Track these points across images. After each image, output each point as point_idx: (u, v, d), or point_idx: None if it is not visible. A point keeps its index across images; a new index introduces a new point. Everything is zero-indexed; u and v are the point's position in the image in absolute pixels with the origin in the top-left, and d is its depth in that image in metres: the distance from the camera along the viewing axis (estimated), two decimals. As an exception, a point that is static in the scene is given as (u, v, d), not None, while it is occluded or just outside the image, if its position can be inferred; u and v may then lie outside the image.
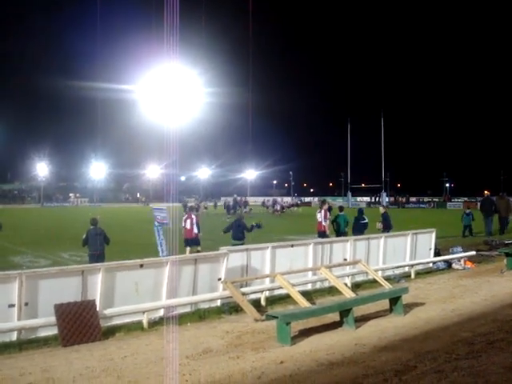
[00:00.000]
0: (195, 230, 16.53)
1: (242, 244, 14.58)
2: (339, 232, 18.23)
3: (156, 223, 14.34)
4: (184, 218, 17.07)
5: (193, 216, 16.90)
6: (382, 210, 19.74)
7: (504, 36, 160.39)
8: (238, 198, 60.12)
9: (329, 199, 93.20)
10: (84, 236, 13.29)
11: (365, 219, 18.57)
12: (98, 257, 12.89)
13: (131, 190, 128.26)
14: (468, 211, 26.84)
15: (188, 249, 16.33)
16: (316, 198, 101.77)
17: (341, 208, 19.54)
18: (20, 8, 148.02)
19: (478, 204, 30.99)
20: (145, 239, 22.61)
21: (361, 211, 19.13)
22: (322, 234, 17.80)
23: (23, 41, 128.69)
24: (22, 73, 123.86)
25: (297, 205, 69.80)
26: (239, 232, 15.85)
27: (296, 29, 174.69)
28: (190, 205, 20.78)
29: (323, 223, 18.13)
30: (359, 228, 18.24)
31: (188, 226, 16.65)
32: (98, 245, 13.17)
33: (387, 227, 18.33)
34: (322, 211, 18.35)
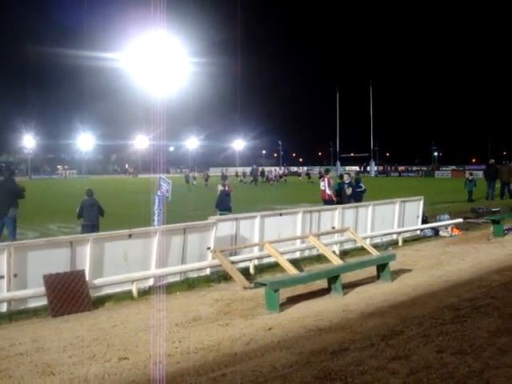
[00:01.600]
0: (328, 191, 18.01)
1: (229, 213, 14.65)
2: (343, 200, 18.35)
3: (159, 193, 14.32)
4: (321, 179, 19.60)
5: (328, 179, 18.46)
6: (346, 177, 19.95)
7: (490, 7, 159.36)
8: (260, 168, 61.52)
9: (318, 169, 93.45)
10: (78, 207, 13.25)
11: (361, 187, 18.80)
12: (92, 227, 12.85)
13: (119, 162, 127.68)
14: (471, 178, 27.85)
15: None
16: (305, 168, 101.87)
17: (341, 176, 19.70)
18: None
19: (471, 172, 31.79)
20: (135, 210, 22.56)
21: (358, 179, 19.47)
22: (329, 202, 17.80)
23: (7, 9, 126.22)
24: (7, 42, 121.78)
25: (284, 175, 69.31)
26: (228, 202, 15.91)
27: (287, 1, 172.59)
28: (326, 169, 22.64)
29: (327, 191, 18.20)
30: (357, 195, 18.38)
31: (322, 187, 18.32)
32: (92, 215, 13.16)
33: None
34: (326, 179, 18.41)
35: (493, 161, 32.89)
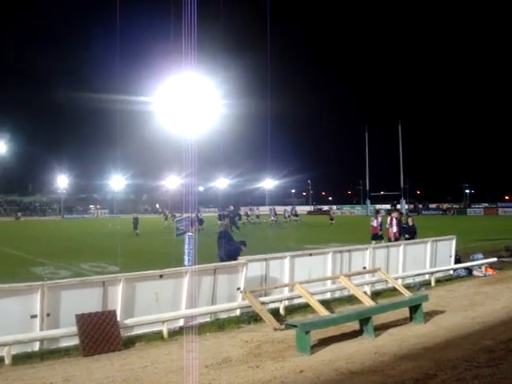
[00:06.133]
0: (390, 229, 19.29)
1: None
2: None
3: (189, 233, 14.53)
4: (372, 218, 21.39)
5: (379, 217, 20.93)
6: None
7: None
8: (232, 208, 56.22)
9: (347, 207, 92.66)
10: None
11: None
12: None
13: (150, 201, 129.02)
14: None
15: (373, 242, 19.49)
16: (335, 207, 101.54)
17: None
18: (38, 21, 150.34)
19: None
20: (166, 249, 22.72)
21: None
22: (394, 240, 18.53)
23: (42, 54, 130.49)
24: (42, 86, 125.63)
25: (295, 215, 63.00)
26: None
27: (314, 39, 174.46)
28: (377, 208, 24.38)
29: (393, 230, 19.04)
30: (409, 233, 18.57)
31: (375, 224, 20.74)
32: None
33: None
34: (393, 219, 19.20)
35: None
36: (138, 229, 39.22)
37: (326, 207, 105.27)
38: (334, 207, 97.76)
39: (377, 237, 20.61)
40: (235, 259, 12.16)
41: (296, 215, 61.80)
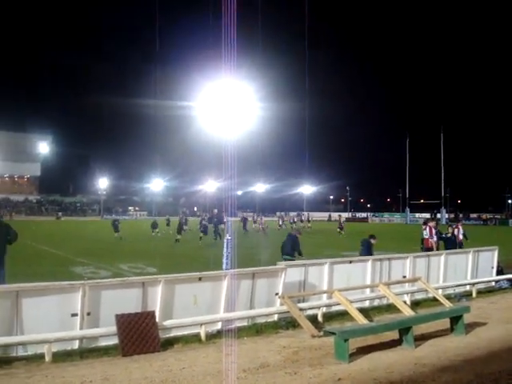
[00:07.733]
0: (430, 239, 17.82)
1: (291, 259, 14.55)
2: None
3: (227, 236, 14.67)
4: (423, 227, 18.69)
5: (427, 227, 18.20)
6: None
7: None
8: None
9: (386, 215, 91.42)
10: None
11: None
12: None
13: (188, 204, 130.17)
14: None
15: None
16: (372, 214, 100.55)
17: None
18: (83, 28, 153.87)
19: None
20: (206, 252, 22.83)
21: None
22: (430, 250, 17.37)
23: (84, 60, 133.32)
24: (85, 90, 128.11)
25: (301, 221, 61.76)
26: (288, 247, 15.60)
27: (354, 44, 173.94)
28: (427, 217, 22.77)
29: (430, 240, 18.09)
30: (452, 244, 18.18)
31: (425, 235, 18.10)
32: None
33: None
34: (428, 227, 18.25)
35: None
36: (119, 231, 38.25)
37: (363, 214, 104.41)
38: (342, 214, 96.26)
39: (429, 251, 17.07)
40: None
41: (301, 221, 61.45)
